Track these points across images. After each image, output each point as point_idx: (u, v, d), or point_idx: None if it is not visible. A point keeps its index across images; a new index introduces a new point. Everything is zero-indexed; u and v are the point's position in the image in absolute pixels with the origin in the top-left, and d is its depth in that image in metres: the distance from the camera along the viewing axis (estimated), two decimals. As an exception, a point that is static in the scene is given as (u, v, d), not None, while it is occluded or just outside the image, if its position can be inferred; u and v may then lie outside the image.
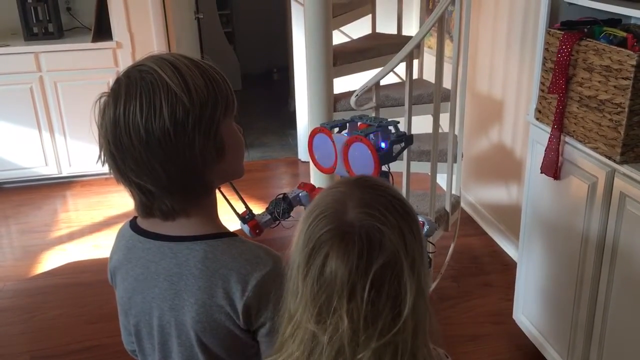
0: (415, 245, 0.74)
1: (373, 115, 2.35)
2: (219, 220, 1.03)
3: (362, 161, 1.42)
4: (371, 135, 1.44)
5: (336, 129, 1.53)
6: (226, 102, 0.95)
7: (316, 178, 2.60)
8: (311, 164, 1.65)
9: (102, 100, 0.93)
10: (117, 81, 0.92)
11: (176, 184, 0.93)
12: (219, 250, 0.96)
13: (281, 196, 1.54)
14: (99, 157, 0.95)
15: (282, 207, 1.51)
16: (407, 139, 1.49)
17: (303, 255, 0.74)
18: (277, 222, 1.51)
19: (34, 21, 3.78)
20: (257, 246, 0.99)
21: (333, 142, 1.47)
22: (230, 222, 1.46)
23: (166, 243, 0.98)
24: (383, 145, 1.44)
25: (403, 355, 0.73)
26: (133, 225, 1.05)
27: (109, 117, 0.90)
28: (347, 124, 1.54)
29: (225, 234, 1.00)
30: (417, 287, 0.73)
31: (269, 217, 1.51)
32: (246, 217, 1.46)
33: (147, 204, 0.96)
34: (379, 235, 0.71)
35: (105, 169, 0.96)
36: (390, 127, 1.49)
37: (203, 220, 0.99)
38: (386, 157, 1.43)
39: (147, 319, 1.02)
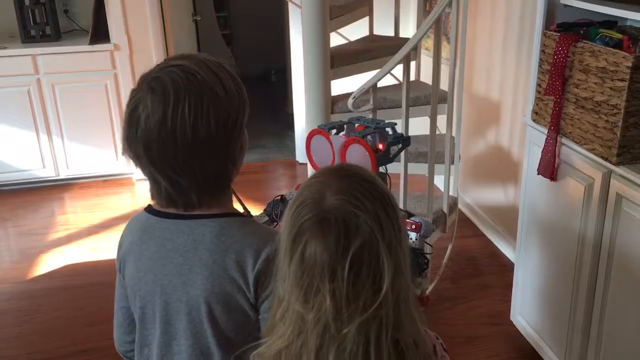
0: (391, 226, 0.79)
1: (370, 117, 2.36)
2: (233, 207, 1.10)
3: (359, 162, 1.42)
4: (369, 137, 1.44)
5: (334, 131, 1.53)
6: (246, 107, 1.03)
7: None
8: (309, 166, 1.65)
9: (145, 96, 0.95)
10: (159, 80, 0.96)
11: (208, 181, 1.00)
12: (234, 226, 1.03)
13: (279, 198, 1.55)
14: (125, 149, 0.99)
15: (279, 209, 1.52)
16: (404, 140, 1.50)
17: (287, 242, 0.80)
18: (275, 223, 1.52)
19: (32, 24, 3.78)
20: (267, 226, 1.08)
21: (331, 143, 1.48)
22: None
23: (183, 221, 1.03)
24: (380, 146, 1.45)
25: (387, 327, 0.78)
26: (149, 209, 1.09)
27: (157, 115, 0.94)
28: (345, 126, 1.55)
29: (238, 213, 1.08)
30: (395, 265, 0.78)
31: (267, 218, 1.51)
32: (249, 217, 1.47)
33: (173, 196, 1.01)
34: (355, 220, 0.77)
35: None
36: (388, 129, 1.49)
37: (220, 207, 1.05)
38: (384, 158, 1.44)
39: (156, 299, 1.04)
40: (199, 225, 1.02)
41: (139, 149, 0.97)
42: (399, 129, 1.68)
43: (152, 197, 1.05)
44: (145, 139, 0.95)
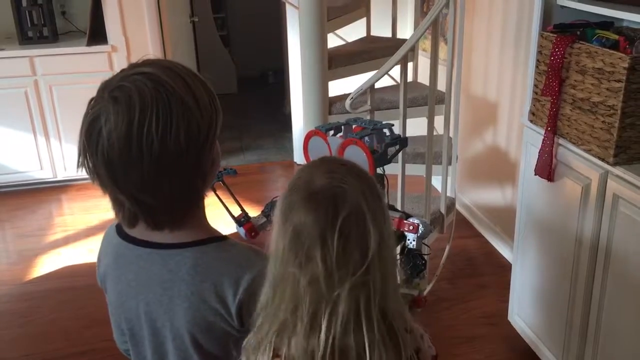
0: (375, 203, 0.85)
1: (368, 118, 2.36)
2: (209, 224, 1.03)
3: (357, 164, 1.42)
4: (366, 138, 1.45)
5: (331, 132, 1.53)
6: (219, 118, 0.96)
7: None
8: (306, 167, 1.65)
9: (107, 107, 0.87)
10: (123, 89, 0.87)
11: (178, 198, 0.93)
12: (209, 255, 0.97)
13: (277, 199, 1.55)
14: (81, 163, 0.91)
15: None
16: (401, 141, 1.50)
17: (280, 219, 0.84)
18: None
19: (29, 25, 3.78)
20: (247, 248, 1.00)
21: (328, 144, 1.48)
22: (227, 225, 1.46)
23: (156, 251, 0.98)
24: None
25: (375, 294, 0.83)
26: (119, 231, 1.03)
27: (121, 129, 0.85)
28: (342, 127, 1.55)
29: (215, 238, 1.00)
30: (380, 237, 0.83)
31: (264, 219, 1.51)
32: (242, 219, 1.47)
33: (138, 216, 0.94)
34: (342, 192, 0.83)
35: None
36: (385, 130, 1.49)
37: (193, 228, 0.99)
38: (381, 159, 1.44)
39: (142, 323, 1.02)
40: (173, 255, 0.96)
41: (99, 166, 0.88)
42: (397, 130, 1.68)
43: (116, 216, 0.96)
44: (107, 155, 0.86)
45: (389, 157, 1.47)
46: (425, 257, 1.37)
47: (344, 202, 0.82)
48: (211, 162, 0.96)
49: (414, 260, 1.33)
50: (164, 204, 0.92)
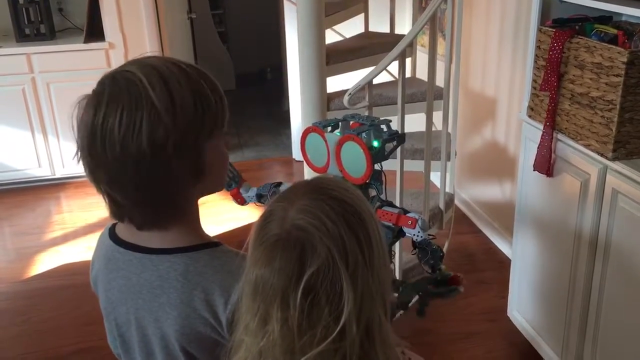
0: (358, 249, 0.71)
1: (366, 114, 2.35)
2: (202, 230, 1.00)
3: (354, 160, 1.42)
4: (363, 134, 1.44)
5: (329, 128, 1.53)
6: (214, 122, 0.90)
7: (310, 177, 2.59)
8: (305, 163, 1.66)
9: (84, 101, 0.89)
10: (102, 83, 0.88)
11: (146, 201, 0.90)
12: (200, 262, 0.94)
13: (275, 183, 1.59)
14: (76, 155, 0.92)
15: (269, 192, 1.56)
16: (399, 137, 1.50)
17: (249, 256, 0.74)
18: (261, 204, 1.58)
19: (26, 22, 3.76)
20: (240, 255, 0.96)
21: (325, 141, 1.48)
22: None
23: (147, 255, 0.95)
24: (375, 144, 1.44)
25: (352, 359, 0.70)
26: (112, 234, 1.02)
27: (85, 122, 0.87)
28: (340, 123, 1.55)
29: (207, 244, 0.97)
30: (364, 291, 0.70)
31: (254, 195, 1.57)
32: (231, 184, 1.52)
33: (117, 212, 0.94)
34: (312, 241, 0.69)
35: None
36: (383, 126, 1.49)
37: (183, 232, 0.96)
38: (379, 155, 1.44)
39: (132, 330, 1.00)
40: (163, 261, 0.94)
41: (83, 157, 0.90)
42: (395, 125, 1.68)
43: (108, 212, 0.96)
44: (81, 144, 0.89)
45: (386, 153, 1.47)
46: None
47: (314, 254, 0.68)
48: (197, 172, 0.91)
49: (431, 248, 1.34)
50: (132, 204, 0.90)
